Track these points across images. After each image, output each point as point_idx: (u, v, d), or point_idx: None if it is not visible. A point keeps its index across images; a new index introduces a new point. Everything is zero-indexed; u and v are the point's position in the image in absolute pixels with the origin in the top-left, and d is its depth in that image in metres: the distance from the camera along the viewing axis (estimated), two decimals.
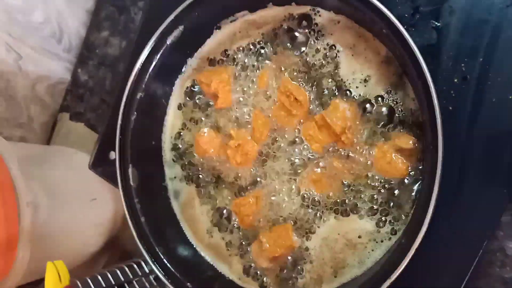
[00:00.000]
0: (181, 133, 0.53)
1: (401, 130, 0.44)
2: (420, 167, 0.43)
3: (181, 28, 0.47)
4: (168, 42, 0.48)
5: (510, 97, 0.45)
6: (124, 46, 0.76)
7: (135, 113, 0.49)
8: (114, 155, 0.50)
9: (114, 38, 0.77)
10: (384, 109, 0.45)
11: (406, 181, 0.44)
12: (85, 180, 0.67)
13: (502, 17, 0.45)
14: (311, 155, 0.47)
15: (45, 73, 0.76)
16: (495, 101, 0.45)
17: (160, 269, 0.46)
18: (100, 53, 0.78)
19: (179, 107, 0.53)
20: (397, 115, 0.45)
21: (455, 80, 0.47)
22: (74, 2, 0.75)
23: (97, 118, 0.78)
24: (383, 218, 0.44)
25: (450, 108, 0.47)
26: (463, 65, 0.47)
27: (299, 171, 0.47)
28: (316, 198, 0.47)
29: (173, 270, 0.47)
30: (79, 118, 0.79)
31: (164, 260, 0.47)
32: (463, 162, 0.47)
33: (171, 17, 0.46)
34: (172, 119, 0.53)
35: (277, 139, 0.48)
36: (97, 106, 0.78)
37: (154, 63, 0.48)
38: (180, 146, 0.53)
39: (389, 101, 0.45)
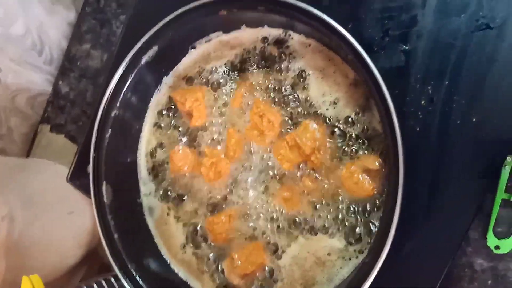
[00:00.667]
0: (156, 150, 0.53)
1: (368, 151, 0.45)
2: (386, 188, 0.44)
3: (155, 48, 0.48)
4: (143, 61, 0.49)
5: (474, 119, 0.47)
6: (106, 59, 0.77)
7: (110, 130, 0.49)
8: None
9: (95, 50, 0.78)
10: (352, 130, 0.46)
11: (372, 200, 0.45)
12: (63, 193, 0.67)
13: (467, 42, 0.47)
14: (283, 174, 0.48)
15: (26, 85, 0.76)
16: (460, 123, 0.47)
17: (132, 286, 0.47)
18: (81, 65, 0.78)
19: (155, 124, 0.53)
20: (364, 136, 0.46)
21: (422, 102, 0.48)
22: (56, 14, 0.76)
23: (77, 130, 0.79)
24: (351, 237, 0.45)
25: (418, 129, 0.49)
26: (429, 87, 0.48)
27: (270, 189, 0.48)
28: (286, 217, 0.48)
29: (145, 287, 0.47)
30: (59, 130, 0.80)
31: (137, 276, 0.48)
32: (431, 180, 0.48)
33: (146, 37, 0.47)
34: (148, 136, 0.53)
35: (250, 157, 0.49)
36: (78, 118, 0.79)
37: (128, 81, 0.49)
38: (155, 163, 0.53)
39: (357, 123, 0.46)
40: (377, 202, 0.45)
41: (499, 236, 0.53)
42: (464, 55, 0.47)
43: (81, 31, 0.79)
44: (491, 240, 0.53)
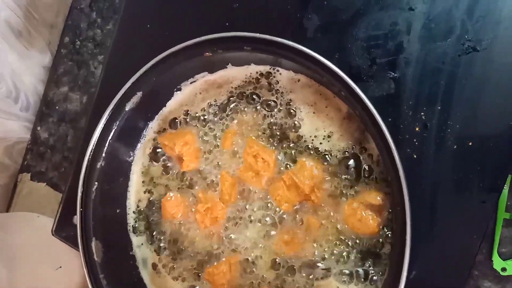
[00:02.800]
0: (147, 199, 0.51)
1: (369, 185, 0.44)
2: (391, 224, 0.43)
3: (139, 94, 0.46)
4: (127, 108, 0.47)
5: (470, 143, 0.46)
6: (85, 101, 0.74)
7: (96, 183, 0.47)
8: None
9: (74, 93, 0.75)
10: (350, 165, 0.45)
11: (378, 238, 0.43)
12: (49, 247, 0.64)
13: (455, 66, 0.46)
14: (282, 216, 0.46)
15: (2, 134, 0.73)
16: (456, 148, 0.46)
17: None
18: (60, 109, 0.76)
19: (143, 171, 0.51)
20: (363, 170, 0.44)
21: (417, 129, 0.48)
22: (29, 59, 0.73)
23: (59, 177, 0.75)
24: (359, 278, 0.44)
25: (415, 156, 0.48)
26: (422, 113, 0.47)
27: (270, 232, 0.46)
28: (288, 261, 0.46)
29: None
30: (41, 178, 0.76)
31: None
32: (433, 208, 0.47)
33: (128, 83, 0.45)
34: (136, 185, 0.51)
35: (246, 200, 0.47)
36: (59, 164, 0.75)
37: (113, 131, 0.46)
38: (146, 212, 0.51)
39: (355, 157, 0.45)
40: (384, 237, 0.43)
41: (504, 257, 0.52)
42: (454, 79, 0.47)
43: (58, 74, 0.76)
44: (497, 262, 0.52)
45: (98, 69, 0.74)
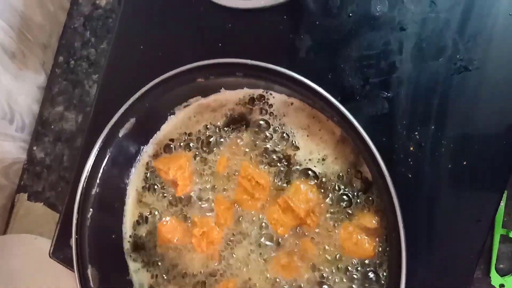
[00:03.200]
0: (142, 223, 0.51)
1: (364, 208, 0.44)
2: (387, 248, 0.43)
3: (133, 120, 0.46)
4: (121, 134, 0.47)
5: (465, 162, 0.46)
6: (81, 120, 0.74)
7: (91, 209, 0.47)
8: None
9: (69, 112, 0.75)
10: (345, 188, 0.45)
11: (374, 261, 0.43)
12: (47, 269, 0.63)
13: (448, 85, 0.46)
14: (278, 239, 0.46)
15: None
16: (451, 167, 0.46)
17: None
18: (55, 128, 0.76)
19: (138, 196, 0.51)
20: (358, 193, 0.44)
21: (411, 148, 0.48)
22: (24, 80, 0.73)
23: (56, 196, 0.75)
24: None
25: (410, 175, 0.48)
26: (416, 133, 0.47)
27: (266, 256, 0.46)
28: (286, 286, 0.45)
29: None
30: (38, 198, 0.76)
31: None
32: (429, 227, 0.47)
33: (121, 111, 0.45)
34: (132, 210, 0.51)
35: (242, 224, 0.47)
36: (56, 183, 0.75)
37: (107, 157, 0.46)
38: (142, 237, 0.51)
39: (349, 180, 0.45)
40: (380, 259, 0.43)
41: (502, 273, 0.52)
42: (447, 99, 0.47)
43: (53, 93, 0.76)
44: (495, 279, 0.52)
45: (93, 88, 0.74)
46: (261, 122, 0.48)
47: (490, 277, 0.52)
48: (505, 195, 0.51)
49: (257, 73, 0.42)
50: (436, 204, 0.47)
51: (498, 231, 0.52)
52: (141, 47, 0.55)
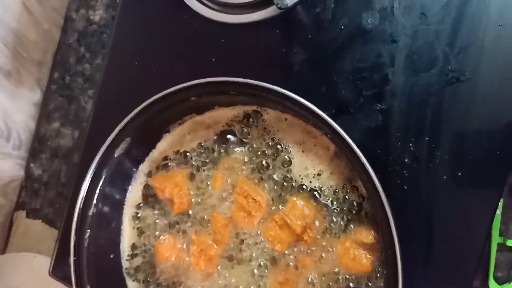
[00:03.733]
0: (140, 242, 0.51)
1: (361, 223, 0.44)
2: (384, 263, 0.43)
3: (128, 139, 0.46)
4: (116, 154, 0.47)
5: (459, 174, 0.46)
6: (77, 136, 0.75)
7: (88, 230, 0.47)
8: None
9: (65, 128, 0.75)
10: (341, 203, 0.45)
11: (372, 276, 0.43)
12: (47, 287, 0.63)
13: (440, 97, 0.46)
14: (275, 256, 0.46)
15: None
16: (446, 178, 0.46)
17: None
18: (52, 145, 0.76)
19: (135, 215, 0.51)
20: (354, 208, 0.45)
21: (406, 160, 0.48)
22: (19, 97, 0.73)
23: (55, 213, 0.75)
24: None
25: (405, 187, 0.48)
26: (411, 145, 0.47)
27: (264, 273, 0.46)
28: None
29: None
30: (36, 215, 0.76)
31: None
32: (426, 239, 0.47)
33: (116, 131, 0.45)
34: (129, 229, 0.51)
35: (239, 241, 0.47)
36: (54, 200, 0.75)
37: (103, 178, 0.47)
38: (140, 256, 0.51)
39: (345, 195, 0.45)
40: (379, 275, 0.43)
41: (500, 281, 0.52)
42: (440, 110, 0.47)
43: (49, 110, 0.77)
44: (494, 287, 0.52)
45: (89, 103, 0.74)
46: (256, 138, 0.48)
47: (488, 286, 0.52)
48: (501, 204, 0.52)
49: (249, 90, 0.42)
50: (433, 215, 0.47)
51: (495, 240, 0.52)
52: (135, 63, 0.56)
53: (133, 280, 0.51)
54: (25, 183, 0.77)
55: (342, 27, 0.50)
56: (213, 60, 0.53)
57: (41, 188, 0.76)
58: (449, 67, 0.47)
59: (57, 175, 0.76)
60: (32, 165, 0.77)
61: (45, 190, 0.76)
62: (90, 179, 0.45)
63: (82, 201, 0.46)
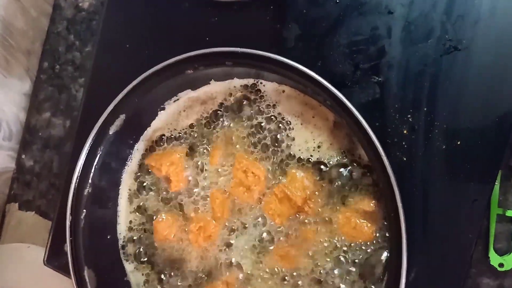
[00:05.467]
0: (137, 221, 0.50)
1: (362, 192, 0.43)
2: (386, 231, 0.42)
3: (123, 116, 0.46)
4: (111, 132, 0.46)
5: (458, 142, 0.46)
6: (69, 125, 0.73)
7: (84, 210, 0.46)
8: None
9: (56, 118, 0.74)
10: (341, 173, 0.44)
11: (374, 244, 0.43)
12: (42, 277, 0.62)
13: (438, 67, 0.46)
14: (276, 229, 0.46)
15: None
16: (445, 147, 0.46)
17: None
18: (43, 135, 0.74)
19: (131, 194, 0.50)
20: (354, 177, 0.44)
21: (405, 132, 0.47)
22: (8, 88, 0.72)
23: (48, 204, 0.74)
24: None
25: (405, 158, 0.47)
26: (409, 116, 0.47)
27: (266, 247, 0.46)
28: (286, 276, 0.45)
29: None
30: (29, 207, 0.75)
31: None
32: (426, 210, 0.47)
33: (110, 107, 0.44)
34: (126, 209, 0.50)
35: (239, 216, 0.47)
36: (47, 191, 0.74)
37: (98, 156, 0.46)
38: (138, 235, 0.50)
39: (345, 165, 0.44)
40: (379, 242, 0.43)
41: (501, 252, 0.52)
42: (437, 80, 0.46)
43: (39, 100, 0.75)
44: (494, 259, 0.52)
45: (80, 92, 0.73)
46: (254, 112, 0.47)
47: (489, 257, 0.52)
48: (499, 175, 0.52)
49: (246, 61, 0.41)
50: (432, 186, 0.46)
51: (495, 211, 0.52)
52: (127, 45, 0.55)
53: (131, 262, 0.50)
54: (17, 175, 0.75)
55: (337, 1, 0.49)
56: (207, 39, 0.52)
57: (33, 179, 0.75)
58: (446, 36, 0.46)
59: (49, 166, 0.74)
60: (23, 156, 0.75)
61: (37, 182, 0.75)
62: (85, 156, 0.44)
63: (78, 179, 0.45)
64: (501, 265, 0.52)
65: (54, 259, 0.56)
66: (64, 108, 0.74)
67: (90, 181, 0.46)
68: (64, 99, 0.74)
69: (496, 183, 0.52)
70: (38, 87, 0.75)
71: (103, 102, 0.47)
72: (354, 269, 0.44)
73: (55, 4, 0.75)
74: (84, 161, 0.45)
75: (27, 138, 0.75)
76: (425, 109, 0.47)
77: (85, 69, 0.73)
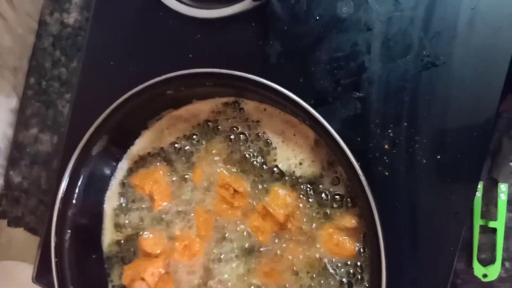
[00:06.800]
0: (122, 240, 0.50)
1: (343, 208, 0.44)
2: (367, 246, 0.43)
3: (105, 137, 0.46)
4: (94, 153, 0.46)
5: (438, 157, 0.46)
6: (56, 141, 0.73)
7: (69, 231, 0.46)
8: None
9: (44, 134, 0.74)
10: (323, 190, 0.45)
11: (356, 261, 0.43)
12: None
13: (417, 82, 0.47)
14: (260, 246, 0.46)
15: None
16: (426, 162, 0.47)
17: None
18: (31, 151, 0.74)
19: (116, 213, 0.50)
20: (336, 194, 0.44)
21: (386, 147, 0.48)
22: None
23: (37, 221, 0.74)
24: None
25: (386, 173, 0.48)
26: (390, 131, 0.48)
27: (250, 264, 0.46)
28: None
29: None
30: (18, 223, 0.75)
31: None
32: (408, 224, 0.47)
33: (92, 129, 0.45)
34: (110, 227, 0.50)
35: (223, 233, 0.47)
36: (35, 207, 0.74)
37: (81, 177, 0.46)
38: (123, 253, 0.50)
39: (326, 182, 0.45)
40: (362, 259, 0.43)
41: (485, 263, 0.53)
42: (417, 95, 0.47)
43: (26, 116, 0.75)
44: (478, 269, 0.52)
45: (66, 108, 0.73)
46: (236, 129, 0.48)
47: (473, 268, 0.52)
48: (481, 186, 0.52)
49: (226, 81, 0.42)
50: (414, 200, 0.47)
51: (477, 222, 0.52)
52: (111, 63, 0.55)
53: (115, 278, 0.50)
54: (5, 191, 0.75)
55: (318, 17, 0.50)
56: (190, 56, 0.52)
57: (22, 195, 0.75)
58: (424, 52, 0.47)
59: (37, 182, 0.74)
60: (11, 172, 0.75)
61: (26, 198, 0.75)
62: (68, 178, 0.45)
63: (61, 201, 0.45)
64: (485, 275, 0.52)
65: (43, 276, 0.56)
66: (51, 124, 0.74)
67: (74, 201, 0.46)
68: (51, 115, 0.74)
69: (478, 194, 0.53)
70: (25, 103, 0.75)
71: (89, 118, 0.47)
72: (338, 285, 0.44)
73: (41, 20, 0.75)
74: (68, 183, 0.45)
75: (15, 154, 0.75)
76: (406, 124, 0.47)
77: (71, 85, 0.73)
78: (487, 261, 0.54)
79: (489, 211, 0.54)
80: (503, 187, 0.52)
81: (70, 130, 0.54)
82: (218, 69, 0.41)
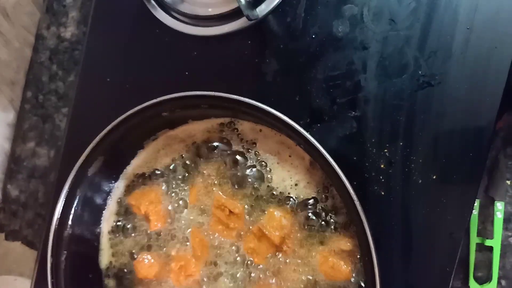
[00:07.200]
0: (119, 260, 0.50)
1: (338, 231, 0.44)
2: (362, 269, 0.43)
3: (101, 158, 0.46)
4: (89, 173, 0.46)
5: (434, 177, 0.46)
6: (53, 155, 0.73)
7: (65, 252, 0.46)
8: None
9: (41, 148, 0.74)
10: (318, 212, 0.45)
11: (353, 283, 0.43)
12: None
13: (413, 101, 0.47)
14: (255, 267, 0.46)
15: None
16: (421, 182, 0.47)
17: None
18: (28, 165, 0.74)
19: (112, 233, 0.50)
20: (331, 216, 0.44)
21: (382, 166, 0.48)
22: None
23: (34, 234, 0.74)
24: None
25: (382, 193, 0.48)
26: (386, 150, 0.48)
27: (246, 285, 0.46)
28: None
29: None
30: (15, 237, 0.74)
31: None
32: (404, 243, 0.47)
33: (87, 150, 0.45)
34: (107, 247, 0.50)
35: (219, 254, 0.47)
36: (33, 221, 0.74)
37: (77, 198, 0.46)
38: (119, 274, 0.50)
39: (322, 204, 0.45)
40: (358, 282, 0.43)
41: (480, 281, 0.53)
42: (413, 115, 0.47)
43: (23, 129, 0.75)
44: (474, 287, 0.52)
45: (63, 121, 0.73)
46: (232, 150, 0.48)
47: (469, 286, 0.52)
48: (477, 204, 0.52)
49: (221, 103, 0.42)
50: (410, 219, 0.47)
51: (474, 240, 0.52)
52: (108, 79, 0.55)
53: None
54: (3, 204, 0.75)
55: (314, 36, 0.50)
56: (186, 73, 0.52)
57: (19, 209, 0.75)
58: (420, 72, 0.47)
59: (34, 195, 0.74)
60: (9, 186, 0.75)
61: (23, 211, 0.74)
62: (64, 200, 0.45)
63: (57, 222, 0.45)
64: None
65: None
66: (49, 138, 0.74)
67: (70, 222, 0.46)
68: (48, 129, 0.74)
69: (474, 212, 0.53)
70: (22, 117, 0.75)
71: (86, 133, 0.47)
72: None
73: (38, 34, 0.75)
74: (64, 204, 0.45)
75: (12, 168, 0.75)
76: (401, 143, 0.47)
77: (68, 99, 0.73)
78: (484, 279, 0.53)
79: (485, 229, 0.54)
80: (499, 205, 0.52)
81: (66, 145, 0.54)
82: (213, 92, 0.41)
